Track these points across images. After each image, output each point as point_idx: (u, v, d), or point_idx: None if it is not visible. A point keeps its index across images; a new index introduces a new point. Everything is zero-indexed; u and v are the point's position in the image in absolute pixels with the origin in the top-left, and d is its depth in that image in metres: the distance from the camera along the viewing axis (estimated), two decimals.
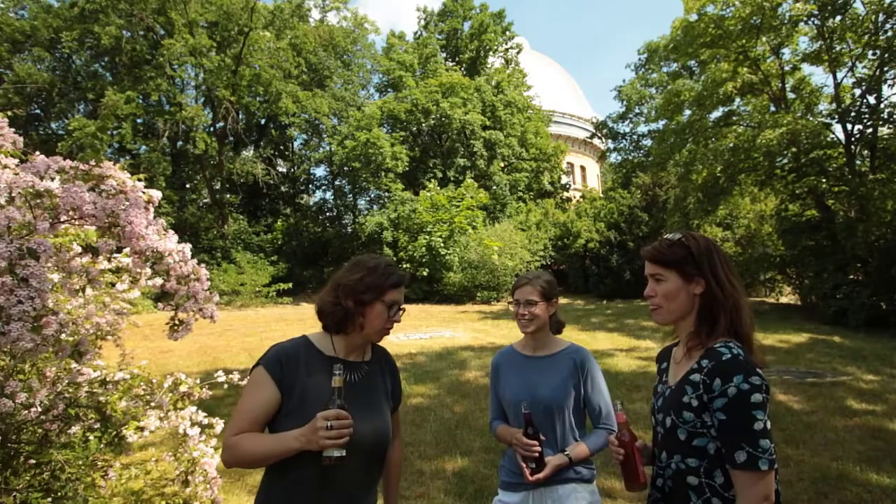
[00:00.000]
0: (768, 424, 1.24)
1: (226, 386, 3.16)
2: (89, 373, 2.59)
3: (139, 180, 2.35)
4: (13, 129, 2.43)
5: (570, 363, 2.01)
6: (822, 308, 11.98)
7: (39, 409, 2.37)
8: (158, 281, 2.54)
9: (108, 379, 2.63)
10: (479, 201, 20.11)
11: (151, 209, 2.31)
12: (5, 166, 2.14)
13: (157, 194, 2.39)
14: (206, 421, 2.88)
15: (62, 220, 2.04)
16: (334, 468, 1.33)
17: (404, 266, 18.82)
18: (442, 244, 18.47)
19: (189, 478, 2.78)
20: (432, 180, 21.27)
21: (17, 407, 2.25)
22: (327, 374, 1.45)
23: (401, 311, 1.57)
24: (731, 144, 13.42)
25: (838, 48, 12.65)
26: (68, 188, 2.00)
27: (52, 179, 2.08)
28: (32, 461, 2.46)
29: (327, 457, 1.28)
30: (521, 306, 2.01)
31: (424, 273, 18.59)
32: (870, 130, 12.39)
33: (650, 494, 1.50)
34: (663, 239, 1.48)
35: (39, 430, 2.45)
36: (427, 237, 18.61)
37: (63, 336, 2.39)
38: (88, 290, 2.66)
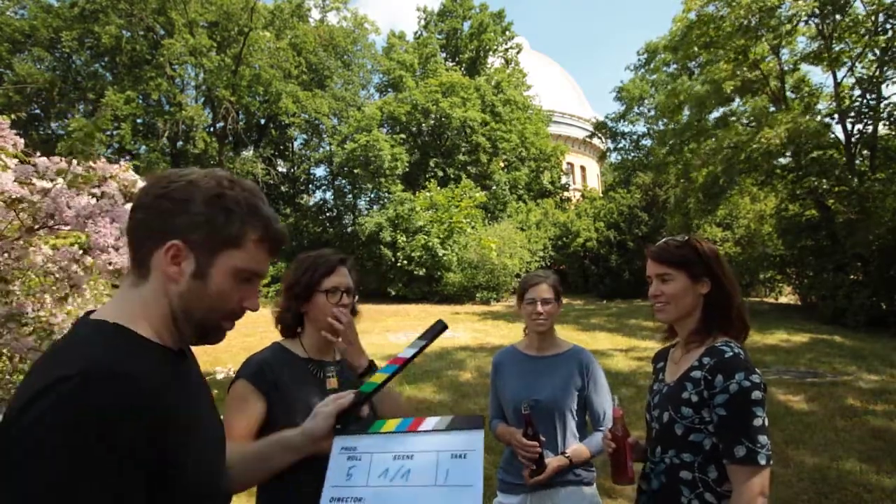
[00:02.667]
0: (766, 421, 1.26)
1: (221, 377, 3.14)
2: None
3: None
4: (14, 130, 2.42)
5: (573, 365, 2.00)
6: (822, 308, 11.97)
7: None
8: None
9: None
10: (477, 201, 20.10)
11: None
12: (6, 167, 2.14)
13: None
14: None
15: (49, 225, 2.00)
16: None
17: (401, 265, 18.79)
18: (439, 244, 18.45)
19: None
20: (432, 180, 21.26)
21: None
22: (309, 378, 1.47)
23: (346, 295, 1.50)
24: (732, 143, 13.38)
25: (838, 48, 12.63)
26: (58, 192, 1.96)
27: (52, 181, 2.06)
28: None
29: None
30: (539, 304, 1.97)
31: (422, 273, 18.57)
32: (870, 130, 12.39)
33: (639, 488, 1.52)
34: (670, 240, 1.51)
35: None
36: (425, 237, 18.60)
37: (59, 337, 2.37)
38: (87, 293, 2.64)
